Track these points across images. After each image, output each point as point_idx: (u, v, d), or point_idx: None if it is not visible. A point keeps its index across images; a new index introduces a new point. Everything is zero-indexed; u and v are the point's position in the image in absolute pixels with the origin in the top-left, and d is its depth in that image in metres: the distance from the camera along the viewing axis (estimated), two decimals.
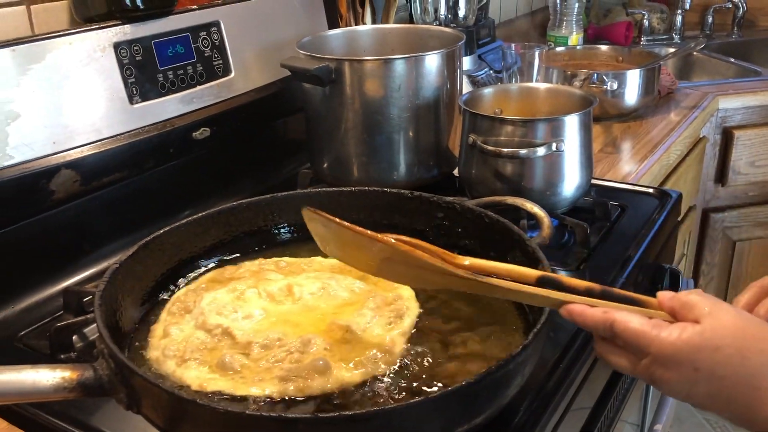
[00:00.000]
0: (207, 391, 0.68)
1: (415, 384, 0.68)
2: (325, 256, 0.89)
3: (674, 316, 0.61)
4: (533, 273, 0.68)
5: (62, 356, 0.86)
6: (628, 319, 0.60)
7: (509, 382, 0.63)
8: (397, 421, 0.56)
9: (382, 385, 0.67)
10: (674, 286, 1.21)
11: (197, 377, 0.70)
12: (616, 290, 0.64)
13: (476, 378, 0.58)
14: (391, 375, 0.69)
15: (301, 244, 0.95)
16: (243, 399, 0.66)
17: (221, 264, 0.91)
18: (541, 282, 0.66)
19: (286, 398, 0.65)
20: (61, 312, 0.95)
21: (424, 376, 0.69)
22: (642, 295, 0.64)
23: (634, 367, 0.60)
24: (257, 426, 0.55)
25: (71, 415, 0.76)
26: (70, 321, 0.88)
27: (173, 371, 0.71)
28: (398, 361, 0.70)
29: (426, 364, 0.71)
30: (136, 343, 0.78)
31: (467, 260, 0.70)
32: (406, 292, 0.82)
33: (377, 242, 0.67)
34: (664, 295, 0.62)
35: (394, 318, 0.75)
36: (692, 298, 0.60)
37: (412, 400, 0.55)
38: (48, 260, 1.01)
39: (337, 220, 0.68)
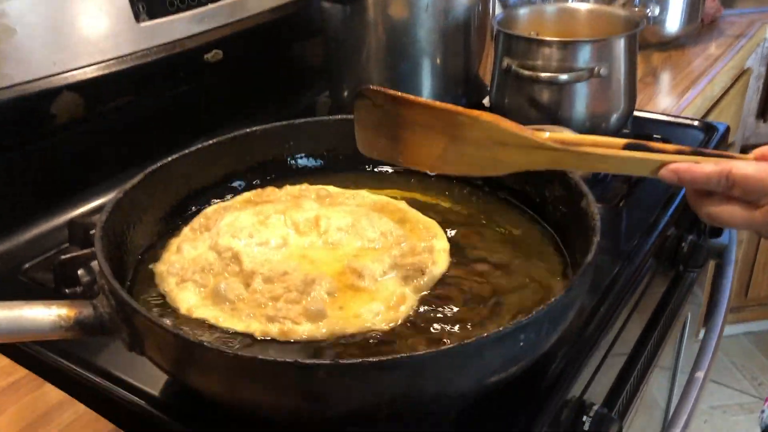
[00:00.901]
0: (192, 317, 0.65)
1: (411, 343, 0.61)
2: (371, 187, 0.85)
3: None
4: (619, 141, 0.60)
5: (67, 291, 0.81)
6: (745, 166, 0.57)
7: (551, 328, 0.57)
8: (428, 370, 0.50)
9: (375, 341, 0.61)
10: (719, 227, 1.13)
11: (188, 301, 0.67)
12: (708, 150, 0.60)
13: (518, 323, 0.52)
14: (390, 332, 0.62)
15: (319, 175, 0.88)
16: (224, 332, 0.63)
17: (234, 193, 0.85)
18: (629, 148, 0.60)
19: (267, 338, 0.61)
20: (67, 244, 0.90)
21: (424, 338, 0.62)
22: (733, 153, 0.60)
23: (751, 214, 0.58)
24: (271, 371, 0.49)
25: (75, 353, 0.71)
26: (74, 254, 0.82)
27: (171, 290, 0.69)
28: (401, 319, 0.63)
29: (432, 327, 0.63)
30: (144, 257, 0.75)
31: (546, 133, 0.61)
32: (440, 244, 0.73)
33: (458, 114, 0.60)
34: (764, 149, 0.59)
35: (413, 272, 0.68)
36: None
37: (445, 347, 0.49)
38: (53, 189, 0.96)
39: (407, 95, 0.61)
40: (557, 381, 0.68)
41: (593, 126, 1.02)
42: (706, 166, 0.57)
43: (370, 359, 0.49)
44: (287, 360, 0.49)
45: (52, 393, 0.69)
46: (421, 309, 0.65)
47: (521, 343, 0.53)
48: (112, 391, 0.67)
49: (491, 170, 0.65)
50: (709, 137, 1.15)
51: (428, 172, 0.75)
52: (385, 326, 0.62)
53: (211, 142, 0.83)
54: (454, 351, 0.49)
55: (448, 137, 0.61)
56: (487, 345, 0.51)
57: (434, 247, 0.72)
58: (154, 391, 0.66)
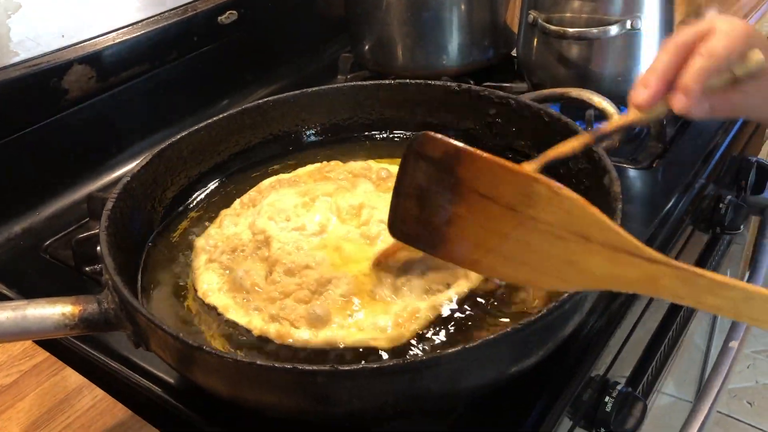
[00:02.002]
0: (205, 302, 0.65)
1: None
2: None
3: None
4: None
5: (87, 269, 0.82)
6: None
7: (563, 323, 0.54)
8: (429, 374, 0.48)
9: (371, 357, 0.57)
10: (762, 181, 1.07)
11: (207, 283, 0.67)
12: None
13: (522, 325, 0.49)
14: (390, 351, 0.57)
15: (336, 145, 0.86)
16: (228, 323, 0.62)
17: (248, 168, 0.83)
18: None
19: (263, 337, 0.60)
20: (88, 219, 0.90)
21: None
22: None
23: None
24: (269, 376, 0.48)
25: (94, 337, 0.71)
26: (92, 233, 0.82)
27: (198, 268, 0.69)
28: (406, 341, 0.58)
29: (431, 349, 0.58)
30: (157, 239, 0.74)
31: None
32: None
33: (535, 182, 0.45)
34: None
35: (438, 284, 0.62)
36: None
37: (440, 352, 0.47)
38: (72, 163, 0.95)
39: (473, 149, 0.48)
40: (580, 360, 0.67)
41: (626, 81, 0.95)
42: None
43: (371, 365, 0.47)
44: (285, 366, 0.48)
45: (72, 377, 0.69)
46: (432, 330, 0.60)
47: (529, 344, 0.51)
48: (129, 377, 0.67)
49: (557, 279, 0.49)
50: None
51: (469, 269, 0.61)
52: (385, 344, 0.58)
53: (221, 116, 0.80)
54: (455, 355, 0.47)
55: (512, 216, 0.47)
56: (491, 347, 0.49)
57: None
58: (170, 379, 0.66)
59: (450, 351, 0.47)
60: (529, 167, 0.59)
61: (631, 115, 0.60)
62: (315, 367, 0.47)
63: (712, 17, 0.58)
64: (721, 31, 0.57)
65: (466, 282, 0.63)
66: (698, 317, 1.00)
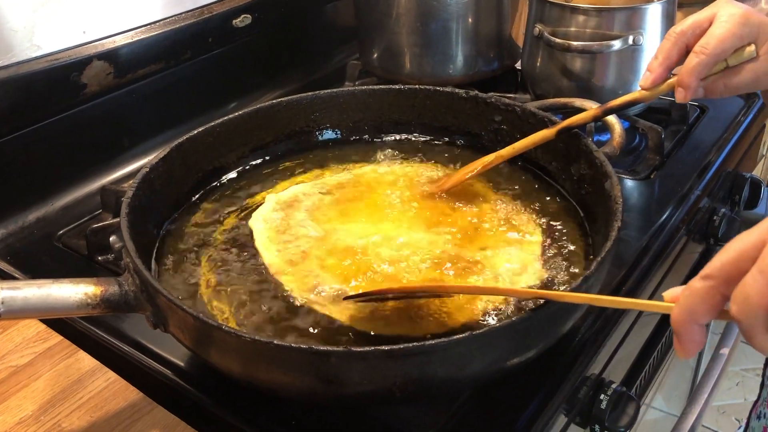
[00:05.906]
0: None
1: None
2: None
3: None
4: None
5: (100, 258, 0.84)
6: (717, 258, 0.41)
7: (564, 317, 0.57)
8: (437, 359, 0.51)
9: None
10: (755, 197, 1.10)
11: None
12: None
13: (528, 313, 0.52)
14: None
15: (346, 146, 0.88)
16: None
17: (261, 165, 0.86)
18: None
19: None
20: (100, 211, 0.93)
21: None
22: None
23: None
24: (285, 356, 0.51)
25: (107, 322, 0.74)
26: (106, 223, 0.85)
27: None
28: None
29: None
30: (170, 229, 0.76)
31: None
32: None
33: None
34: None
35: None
36: None
37: (454, 337, 0.50)
38: (86, 156, 0.98)
39: None
40: (577, 358, 0.69)
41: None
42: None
43: (382, 348, 0.49)
44: (301, 346, 0.50)
45: (85, 360, 0.71)
46: None
47: (531, 334, 0.53)
48: (140, 361, 0.69)
49: None
50: (749, 104, 1.11)
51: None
52: None
53: (238, 113, 0.83)
54: (463, 341, 0.50)
55: None
56: (496, 335, 0.51)
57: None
58: (181, 362, 0.68)
59: (458, 337, 0.50)
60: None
61: (638, 93, 0.72)
62: (329, 348, 0.50)
63: (717, 4, 0.66)
64: (719, 23, 0.65)
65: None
66: None
